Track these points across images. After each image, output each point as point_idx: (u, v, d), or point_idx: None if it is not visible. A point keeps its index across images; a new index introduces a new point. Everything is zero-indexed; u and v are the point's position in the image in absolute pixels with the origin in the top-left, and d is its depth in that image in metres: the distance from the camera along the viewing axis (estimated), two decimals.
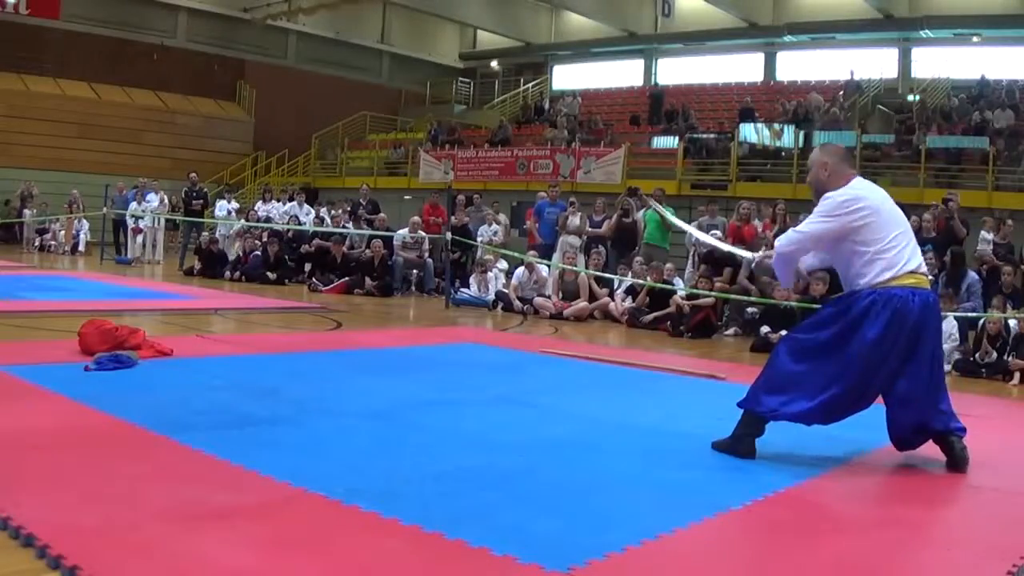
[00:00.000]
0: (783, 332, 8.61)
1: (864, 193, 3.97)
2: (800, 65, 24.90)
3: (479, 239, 13.38)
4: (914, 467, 4.00)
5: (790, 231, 4.22)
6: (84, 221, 18.62)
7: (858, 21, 23.16)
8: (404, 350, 7.13)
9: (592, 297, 10.95)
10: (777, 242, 4.24)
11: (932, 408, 3.91)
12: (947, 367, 7.77)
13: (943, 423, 3.93)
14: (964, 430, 3.97)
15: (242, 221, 15.62)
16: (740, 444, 3.94)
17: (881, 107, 20.97)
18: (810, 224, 4.06)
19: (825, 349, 3.90)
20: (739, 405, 3.99)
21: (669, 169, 18.94)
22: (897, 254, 3.87)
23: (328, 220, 15.06)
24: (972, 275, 9.11)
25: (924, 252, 9.51)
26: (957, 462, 3.89)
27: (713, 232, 10.90)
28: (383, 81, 30.64)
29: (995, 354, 7.62)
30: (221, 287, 12.49)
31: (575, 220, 12.51)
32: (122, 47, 24.97)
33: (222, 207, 16.11)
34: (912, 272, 3.88)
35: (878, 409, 5.62)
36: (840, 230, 3.91)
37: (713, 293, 9.85)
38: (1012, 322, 7.83)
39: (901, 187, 15.68)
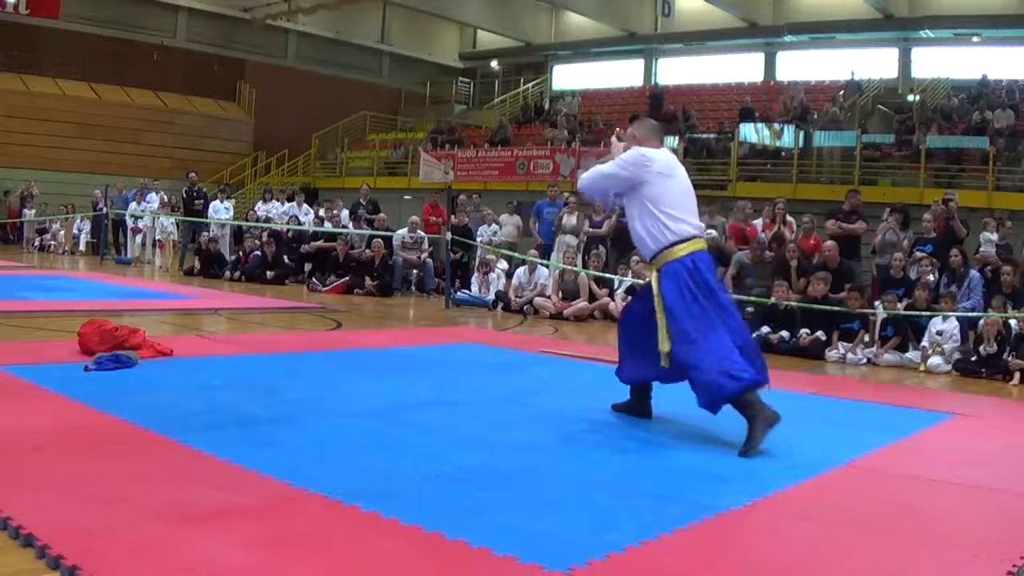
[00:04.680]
0: (783, 332, 8.66)
1: (658, 156, 4.45)
2: (800, 65, 24.90)
3: (479, 239, 13.38)
4: (914, 468, 4.00)
5: (594, 167, 4.69)
6: (87, 221, 18.63)
7: (858, 21, 23.17)
8: (404, 350, 7.13)
9: (592, 297, 10.95)
10: (582, 176, 4.71)
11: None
12: (947, 367, 7.82)
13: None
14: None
15: (234, 221, 15.64)
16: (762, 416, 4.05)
17: (881, 107, 20.97)
18: (608, 166, 4.53)
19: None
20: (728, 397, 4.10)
21: None
22: (689, 220, 4.39)
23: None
24: (974, 273, 9.12)
25: (923, 253, 9.63)
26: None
27: (709, 232, 10.90)
28: (383, 81, 30.65)
29: (995, 346, 7.62)
30: (221, 287, 12.49)
31: (571, 220, 12.50)
32: (122, 47, 24.98)
33: (216, 208, 16.09)
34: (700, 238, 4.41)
35: (876, 410, 5.62)
36: (630, 180, 4.40)
37: None
38: (1012, 322, 7.83)
39: (901, 187, 15.72)
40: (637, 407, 4.70)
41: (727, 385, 4.04)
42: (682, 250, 4.31)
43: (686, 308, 4.20)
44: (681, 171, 4.56)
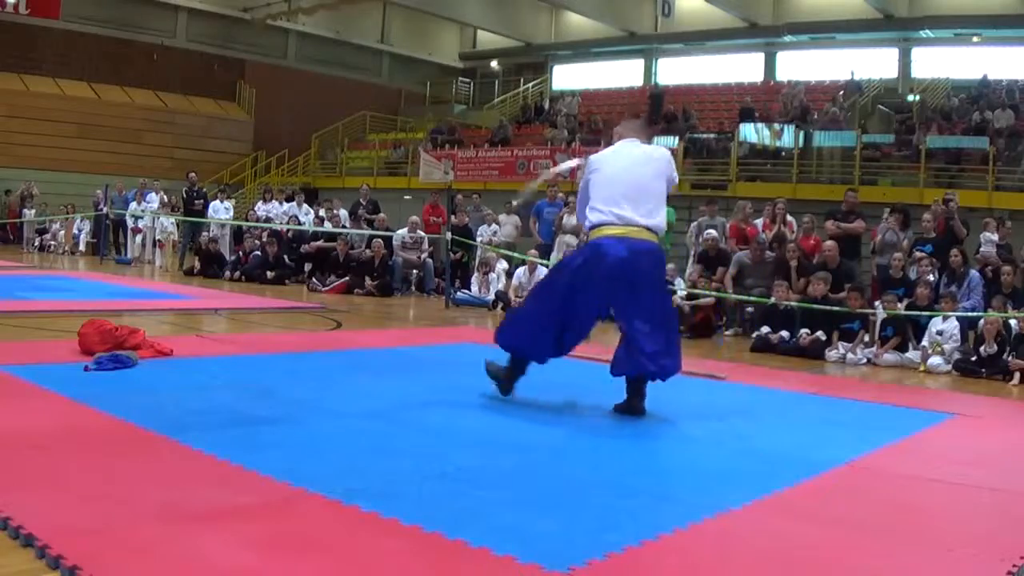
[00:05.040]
0: (783, 332, 8.66)
1: (601, 155, 4.80)
2: (800, 65, 24.90)
3: (479, 239, 13.38)
4: (914, 468, 4.00)
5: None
6: (87, 221, 18.63)
7: (858, 21, 23.18)
8: (404, 350, 7.13)
9: None
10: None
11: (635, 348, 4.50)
12: (947, 367, 7.82)
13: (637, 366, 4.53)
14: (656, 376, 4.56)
15: (234, 221, 15.61)
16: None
17: (881, 107, 20.98)
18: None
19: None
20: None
21: None
22: (602, 209, 4.56)
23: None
24: (974, 273, 9.12)
25: (923, 253, 9.63)
26: (631, 408, 4.59)
27: (709, 232, 10.91)
28: (383, 81, 30.65)
29: (995, 347, 7.62)
30: (221, 287, 12.49)
31: (571, 220, 12.49)
32: (122, 47, 24.97)
33: (216, 208, 16.09)
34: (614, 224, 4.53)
35: (876, 410, 5.61)
36: (585, 184, 4.78)
37: (713, 293, 9.85)
38: (1012, 322, 7.83)
39: (901, 187, 15.72)
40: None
41: (499, 338, 4.84)
42: (594, 234, 4.59)
43: (543, 281, 4.78)
44: (623, 161, 4.70)
